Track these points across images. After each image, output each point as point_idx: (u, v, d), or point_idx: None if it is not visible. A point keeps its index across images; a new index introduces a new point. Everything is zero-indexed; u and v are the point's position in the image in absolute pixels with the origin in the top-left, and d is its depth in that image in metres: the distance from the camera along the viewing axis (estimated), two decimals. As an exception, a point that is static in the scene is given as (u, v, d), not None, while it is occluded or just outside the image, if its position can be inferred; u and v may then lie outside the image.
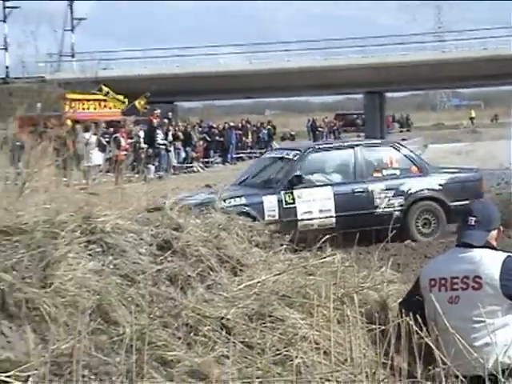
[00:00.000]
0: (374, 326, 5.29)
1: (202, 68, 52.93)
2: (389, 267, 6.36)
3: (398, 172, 15.61)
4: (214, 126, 49.61)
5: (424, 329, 5.02)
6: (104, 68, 48.72)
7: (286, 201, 14.21)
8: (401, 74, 51.41)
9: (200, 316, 5.27)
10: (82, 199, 6.65)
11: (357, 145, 16.14)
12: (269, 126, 56.76)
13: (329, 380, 4.63)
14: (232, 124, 50.84)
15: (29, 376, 4.33)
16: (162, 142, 36.64)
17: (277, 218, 13.35)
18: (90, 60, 50.97)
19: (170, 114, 42.21)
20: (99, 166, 26.82)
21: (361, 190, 15.34)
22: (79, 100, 38.59)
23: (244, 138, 50.84)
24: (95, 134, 29.32)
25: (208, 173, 38.26)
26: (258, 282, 5.83)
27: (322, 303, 5.41)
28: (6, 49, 45.30)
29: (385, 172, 15.58)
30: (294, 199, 14.30)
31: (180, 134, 40.58)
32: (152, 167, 34.33)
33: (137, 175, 30.58)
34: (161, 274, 5.60)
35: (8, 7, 48.68)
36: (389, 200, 15.20)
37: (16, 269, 5.06)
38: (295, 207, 14.36)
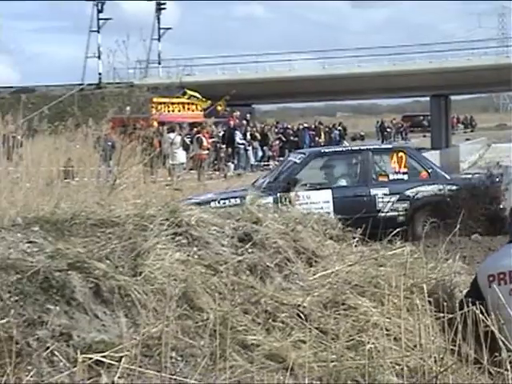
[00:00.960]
0: (441, 315, 5.24)
1: (278, 73, 52.87)
2: (456, 260, 6.31)
3: (405, 177, 14.74)
4: (289, 126, 49.63)
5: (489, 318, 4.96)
6: (187, 74, 48.95)
7: (281, 202, 13.67)
8: (465, 78, 50.76)
9: (278, 303, 5.28)
10: (167, 194, 6.72)
11: (364, 150, 15.48)
12: (339, 127, 56.57)
13: (399, 364, 4.60)
14: (306, 125, 50.80)
15: (121, 357, 4.37)
16: (240, 141, 36.76)
17: None
18: (174, 67, 51.31)
19: (248, 115, 42.32)
20: (183, 164, 26.98)
21: (363, 193, 14.54)
22: (165, 103, 38.91)
23: (317, 138, 50.67)
24: (179, 135, 29.50)
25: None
26: (332, 273, 5.81)
27: (393, 292, 5.38)
28: (99, 57, 45.83)
29: (391, 176, 14.84)
30: (290, 201, 13.73)
31: (257, 134, 40.67)
32: (231, 165, 34.49)
33: (217, 172, 30.79)
34: (241, 264, 5.62)
35: (101, 19, 49.27)
36: (392, 204, 14.59)
37: (109, 258, 5.12)
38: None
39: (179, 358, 4.59)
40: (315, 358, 4.60)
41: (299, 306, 5.27)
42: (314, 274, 5.81)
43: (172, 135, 28.55)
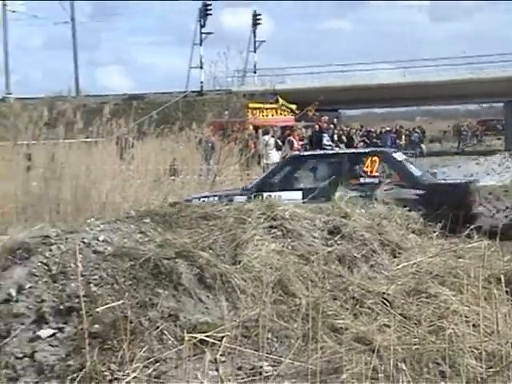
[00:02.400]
0: (518, 303, 5.13)
1: (363, 81, 52.48)
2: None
3: (376, 180, 13.24)
4: (372, 130, 49.24)
5: None
6: (280, 82, 49.00)
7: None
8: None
9: (364, 291, 5.24)
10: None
11: (340, 153, 14.73)
12: (418, 130, 55.88)
13: (477, 349, 4.51)
14: (387, 128, 50.31)
15: (223, 337, 4.40)
16: (327, 143, 36.53)
17: None
18: (268, 75, 51.43)
19: (335, 120, 42.10)
20: (276, 163, 26.99)
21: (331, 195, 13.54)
22: (259, 108, 38.98)
23: (398, 141, 50.12)
24: (273, 137, 29.50)
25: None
26: (414, 263, 5.75)
27: (471, 282, 5.28)
28: (201, 67, 46.17)
29: (362, 180, 13.96)
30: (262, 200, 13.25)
31: (343, 137, 40.48)
32: (319, 165, 34.26)
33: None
34: (331, 255, 5.60)
35: (203, 33, 49.67)
36: None
37: (212, 248, 5.15)
38: None
39: (274, 339, 4.60)
40: (399, 341, 4.55)
41: (384, 293, 5.23)
42: (398, 265, 5.76)
43: (266, 137, 28.57)
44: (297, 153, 18.25)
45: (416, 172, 13.59)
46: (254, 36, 54.32)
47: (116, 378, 4.07)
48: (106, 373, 4.12)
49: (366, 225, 6.05)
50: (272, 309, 4.73)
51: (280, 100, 40.25)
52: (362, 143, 43.56)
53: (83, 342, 4.24)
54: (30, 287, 4.66)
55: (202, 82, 47.14)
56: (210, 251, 5.07)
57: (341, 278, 5.33)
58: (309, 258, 5.42)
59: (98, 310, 4.41)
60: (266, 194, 12.72)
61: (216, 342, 4.33)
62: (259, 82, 49.75)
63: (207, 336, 4.32)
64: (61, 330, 4.44)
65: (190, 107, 41.21)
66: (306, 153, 17.91)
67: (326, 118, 34.93)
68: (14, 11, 50.07)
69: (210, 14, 49.90)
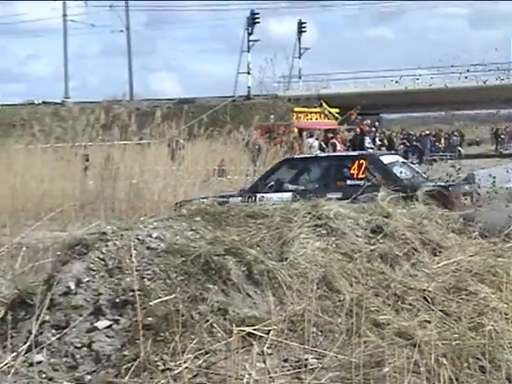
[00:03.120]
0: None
1: (403, 86, 52.11)
2: None
3: (361, 183, 12.57)
4: (412, 133, 48.89)
5: None
6: (324, 87, 48.83)
7: (248, 202, 13.12)
8: None
9: (406, 288, 5.19)
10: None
11: (328, 157, 14.52)
12: (457, 134, 55.35)
13: (517, 345, 4.45)
14: (427, 132, 49.93)
15: (270, 330, 4.39)
16: (369, 145, 36.37)
17: None
18: (313, 81, 51.29)
19: (376, 123, 41.90)
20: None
21: (320, 197, 13.02)
22: (304, 112, 38.93)
23: (437, 144, 49.75)
24: (317, 139, 29.44)
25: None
26: (454, 262, 5.68)
27: (510, 281, 5.21)
28: (248, 73, 46.30)
29: (348, 182, 13.18)
30: (254, 201, 13.13)
31: (384, 139, 40.27)
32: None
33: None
34: (374, 253, 5.55)
35: (251, 41, 49.76)
36: None
37: (259, 245, 5.14)
38: None
39: (319, 333, 4.58)
40: (439, 337, 4.50)
41: (425, 290, 5.17)
42: (438, 263, 5.69)
43: (311, 140, 28.51)
44: (288, 156, 17.85)
45: (402, 175, 13.24)
46: (299, 43, 54.24)
47: (168, 368, 4.08)
48: (158, 363, 4.14)
49: (408, 224, 5.99)
50: (317, 304, 4.71)
51: (323, 104, 40.16)
52: (402, 146, 43.28)
53: (137, 334, 4.27)
54: (87, 281, 4.71)
55: (249, 87, 47.26)
56: (258, 248, 5.06)
57: (383, 276, 5.28)
58: (352, 256, 5.38)
59: (151, 303, 4.44)
60: (259, 196, 12.65)
61: (263, 335, 4.33)
62: (304, 87, 49.66)
63: (255, 329, 4.32)
64: (116, 321, 4.48)
65: (238, 111, 41.26)
66: (296, 156, 17.58)
67: (368, 121, 34.74)
68: (73, 21, 50.67)
69: (258, 22, 50.01)
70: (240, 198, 12.56)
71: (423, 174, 13.86)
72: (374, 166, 13.04)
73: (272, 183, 13.28)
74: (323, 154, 15.00)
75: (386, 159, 13.52)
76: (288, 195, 12.56)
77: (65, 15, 50.29)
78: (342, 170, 13.30)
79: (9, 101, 45.87)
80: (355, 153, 14.65)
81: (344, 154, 14.69)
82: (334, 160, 13.83)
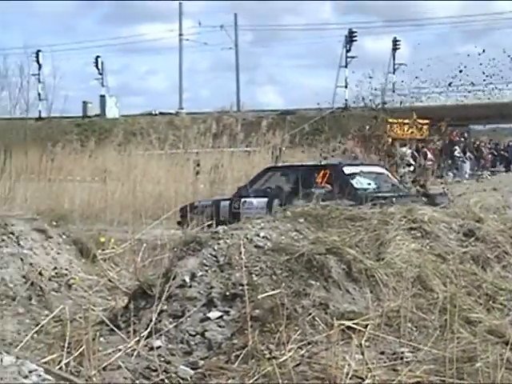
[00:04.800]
0: None
1: (491, 99, 50.91)
2: None
3: (323, 190, 11.78)
4: (499, 143, 47.66)
5: None
6: (416, 100, 48.20)
7: (234, 206, 12.85)
8: None
9: (497, 288, 5.05)
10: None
11: (302, 166, 13.92)
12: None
13: None
14: (514, 142, 48.57)
15: (367, 324, 4.34)
16: (458, 155, 35.74)
17: (227, 218, 11.86)
18: (406, 94, 50.72)
19: (465, 134, 41.07)
20: (413, 171, 26.53)
21: (290, 202, 12.41)
22: (397, 123, 38.45)
23: (524, 154, 48.33)
24: (410, 149, 29.06)
25: (494, 179, 36.90)
26: (544, 265, 5.49)
27: None
28: (346, 86, 46.06)
29: (313, 189, 12.77)
30: (239, 205, 12.87)
31: (473, 149, 39.42)
32: (451, 174, 33.52)
33: (439, 179, 30.06)
34: (466, 255, 5.43)
35: (349, 57, 49.60)
36: None
37: (358, 246, 5.10)
38: (239, 212, 12.89)
39: (414, 329, 4.50)
40: (530, 336, 4.35)
41: (516, 291, 5.02)
42: (528, 266, 5.51)
43: (404, 149, 28.15)
44: (270, 165, 17.58)
45: (363, 185, 12.75)
46: (394, 59, 53.65)
47: (274, 357, 4.08)
48: (265, 352, 4.15)
49: (499, 228, 5.83)
50: (412, 301, 4.64)
51: (414, 116, 39.58)
52: (490, 155, 42.26)
53: (246, 324, 4.29)
54: (201, 275, 4.76)
55: (346, 100, 47.02)
56: (357, 248, 5.02)
57: (475, 276, 5.16)
58: (445, 258, 5.27)
59: (258, 297, 4.45)
60: (243, 200, 12.68)
61: (361, 329, 4.28)
62: (398, 100, 49.13)
63: (354, 323, 4.28)
64: (227, 312, 4.51)
65: (336, 121, 41.09)
66: (277, 164, 17.30)
67: (458, 131, 34.08)
68: (187, 40, 51.51)
69: (356, 40, 49.75)
70: (228, 202, 12.79)
71: (401, 187, 13.62)
72: (335, 176, 12.76)
73: (255, 188, 13.35)
74: (298, 163, 14.90)
75: (349, 170, 13.18)
76: (264, 200, 12.63)
77: (181, 35, 51.13)
78: (310, 179, 13.10)
79: (130, 112, 46.92)
80: (323, 163, 14.40)
81: (313, 163, 14.48)
82: (306, 169, 13.65)
